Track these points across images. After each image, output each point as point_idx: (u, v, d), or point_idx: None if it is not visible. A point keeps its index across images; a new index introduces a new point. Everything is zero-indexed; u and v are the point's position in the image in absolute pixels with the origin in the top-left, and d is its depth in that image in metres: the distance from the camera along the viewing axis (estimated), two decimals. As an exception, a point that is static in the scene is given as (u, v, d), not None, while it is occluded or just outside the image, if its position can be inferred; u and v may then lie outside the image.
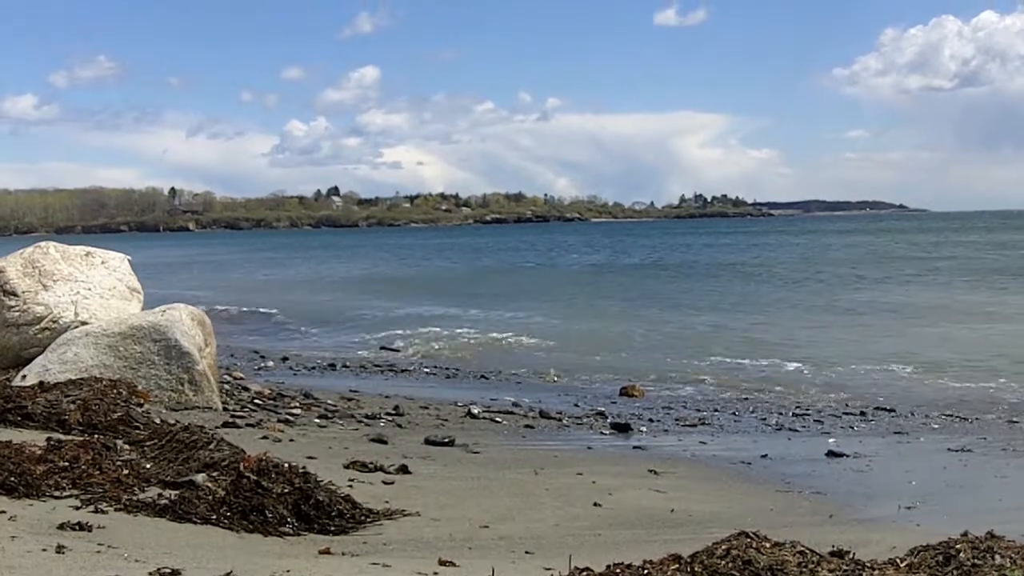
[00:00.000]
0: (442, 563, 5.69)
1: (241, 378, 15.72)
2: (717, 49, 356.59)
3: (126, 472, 7.33)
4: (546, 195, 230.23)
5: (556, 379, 17.56)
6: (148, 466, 7.61)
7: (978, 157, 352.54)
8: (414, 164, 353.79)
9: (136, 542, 5.77)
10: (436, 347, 22.02)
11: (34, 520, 6.02)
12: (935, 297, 31.19)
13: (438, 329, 25.20)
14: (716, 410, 14.42)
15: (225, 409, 12.25)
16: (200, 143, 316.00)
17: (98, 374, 11.49)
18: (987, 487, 9.81)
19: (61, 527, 5.88)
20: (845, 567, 4.94)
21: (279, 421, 12.00)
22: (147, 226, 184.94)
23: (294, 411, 12.89)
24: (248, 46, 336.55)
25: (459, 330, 25.02)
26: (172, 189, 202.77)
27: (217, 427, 10.34)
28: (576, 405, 14.87)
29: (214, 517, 6.52)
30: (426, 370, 18.88)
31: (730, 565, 4.87)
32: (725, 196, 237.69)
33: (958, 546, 5.10)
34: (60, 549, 5.31)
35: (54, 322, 13.09)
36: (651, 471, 10.16)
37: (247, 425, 11.38)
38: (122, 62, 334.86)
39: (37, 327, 13.09)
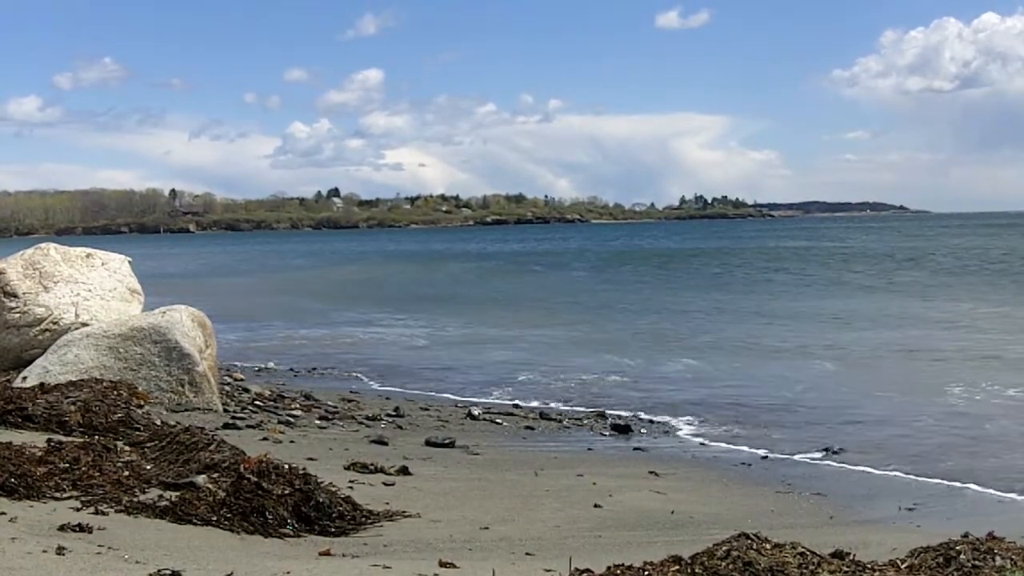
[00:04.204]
0: (442, 564, 5.69)
1: (241, 379, 15.72)
2: (717, 51, 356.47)
3: (126, 474, 7.34)
4: (547, 196, 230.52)
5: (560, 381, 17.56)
6: (148, 467, 7.62)
7: (979, 158, 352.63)
8: (416, 166, 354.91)
9: (137, 543, 5.77)
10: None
11: (34, 521, 6.02)
12: (921, 303, 31.24)
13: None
14: (716, 411, 14.41)
15: (225, 410, 12.26)
16: (202, 145, 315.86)
17: (98, 375, 11.50)
18: (986, 488, 9.81)
19: (62, 528, 5.89)
20: (845, 568, 4.95)
21: (279, 423, 12.00)
22: (148, 228, 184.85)
23: (295, 412, 12.90)
24: (251, 48, 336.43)
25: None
26: (172, 191, 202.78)
27: (217, 428, 10.35)
28: (576, 407, 14.86)
29: (215, 519, 6.53)
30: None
31: (731, 566, 4.87)
32: (725, 197, 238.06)
33: (958, 547, 5.10)
34: (60, 550, 5.32)
35: (55, 323, 13.10)
36: (651, 472, 10.17)
37: (247, 426, 11.39)
38: (126, 64, 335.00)
39: (38, 328, 13.10)
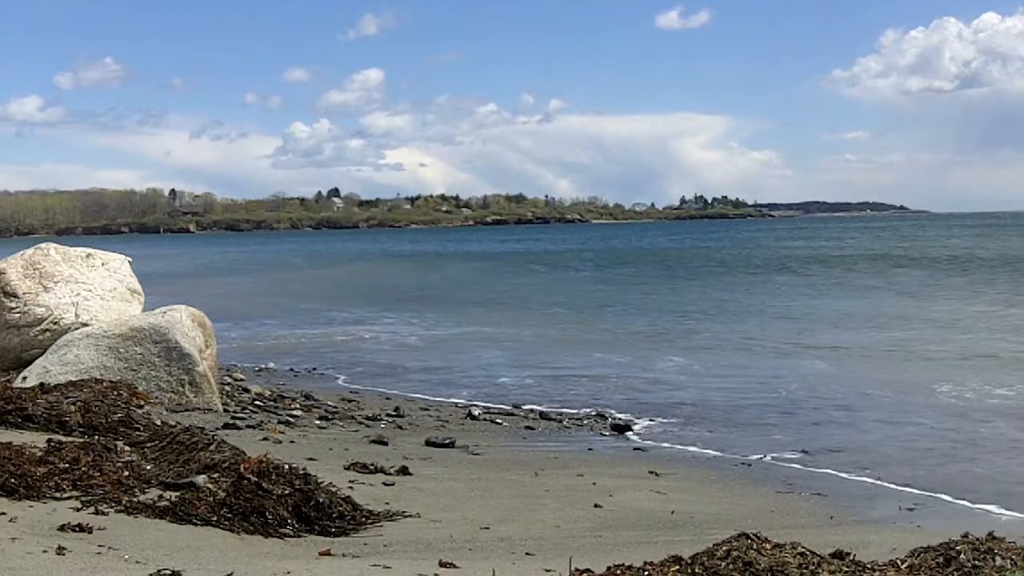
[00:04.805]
0: (443, 564, 5.69)
1: (241, 379, 15.72)
2: (718, 51, 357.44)
3: (127, 474, 7.33)
4: (547, 197, 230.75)
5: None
6: (149, 468, 7.62)
7: (979, 158, 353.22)
8: (416, 166, 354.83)
9: (137, 543, 5.77)
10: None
11: (35, 521, 6.02)
12: (917, 303, 31.27)
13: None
14: (715, 411, 14.40)
15: (225, 410, 12.26)
16: (203, 145, 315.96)
17: (99, 375, 11.50)
18: (987, 487, 9.81)
19: (62, 528, 5.89)
20: (846, 568, 4.95)
21: (280, 423, 12.00)
22: (148, 228, 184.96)
23: (295, 412, 12.90)
24: (252, 48, 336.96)
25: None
26: (172, 191, 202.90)
27: (217, 428, 10.35)
28: (576, 407, 14.85)
29: (215, 519, 6.53)
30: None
31: (731, 566, 4.87)
32: (726, 197, 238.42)
33: (958, 547, 5.10)
34: (61, 550, 5.32)
35: (55, 323, 13.10)
36: (652, 472, 10.17)
37: (247, 427, 11.39)
38: (127, 64, 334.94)
39: (38, 329, 13.10)
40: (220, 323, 22.49)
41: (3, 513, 6.11)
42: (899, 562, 5.07)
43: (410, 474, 9.17)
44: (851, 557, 5.17)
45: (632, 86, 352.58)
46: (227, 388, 13.88)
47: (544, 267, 58.97)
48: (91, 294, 13.59)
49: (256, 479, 6.80)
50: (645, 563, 5.06)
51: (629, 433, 12.82)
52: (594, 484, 9.33)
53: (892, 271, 45.64)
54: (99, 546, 5.59)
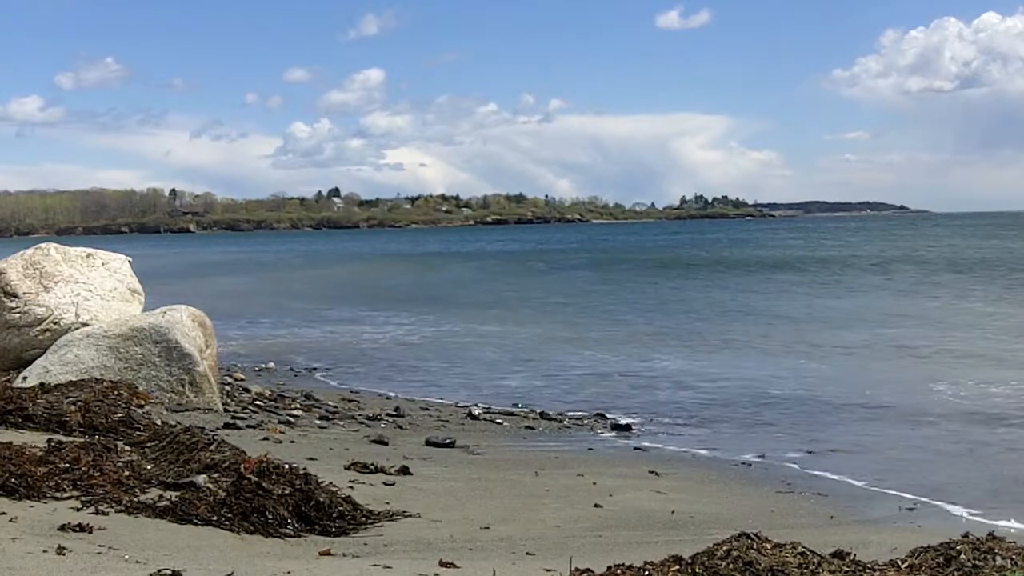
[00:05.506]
0: (443, 564, 5.69)
1: (242, 379, 15.73)
2: (717, 51, 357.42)
3: (127, 473, 7.34)
4: (547, 196, 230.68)
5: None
6: (149, 467, 7.62)
7: (979, 158, 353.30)
8: (416, 166, 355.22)
9: (137, 543, 5.77)
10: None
11: (35, 521, 6.02)
12: (914, 302, 31.31)
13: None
14: (715, 411, 14.41)
15: (226, 410, 12.26)
16: (203, 145, 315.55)
17: (99, 375, 11.50)
18: (987, 487, 9.81)
19: (62, 528, 5.89)
20: (846, 568, 4.95)
21: (280, 422, 12.01)
22: (148, 228, 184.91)
23: (295, 412, 12.91)
24: (252, 48, 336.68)
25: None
26: (173, 191, 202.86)
27: (218, 428, 10.36)
28: (577, 407, 14.86)
29: (215, 518, 6.53)
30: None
31: (731, 566, 4.87)
32: (726, 197, 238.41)
33: (959, 547, 5.10)
34: (61, 550, 5.32)
35: (55, 323, 13.10)
36: (652, 472, 10.17)
37: (248, 426, 11.39)
38: (128, 64, 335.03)
39: (38, 328, 13.10)
40: (220, 323, 22.54)
41: (3, 513, 6.11)
42: (899, 562, 5.07)
43: (410, 474, 9.17)
44: (851, 557, 5.17)
45: (632, 86, 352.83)
46: (227, 388, 13.88)
47: (544, 267, 58.97)
48: (91, 294, 13.59)
49: (256, 479, 6.80)
50: (645, 563, 5.06)
51: (629, 433, 12.83)
52: (594, 484, 9.33)
53: (891, 270, 45.70)
54: (99, 546, 5.60)
